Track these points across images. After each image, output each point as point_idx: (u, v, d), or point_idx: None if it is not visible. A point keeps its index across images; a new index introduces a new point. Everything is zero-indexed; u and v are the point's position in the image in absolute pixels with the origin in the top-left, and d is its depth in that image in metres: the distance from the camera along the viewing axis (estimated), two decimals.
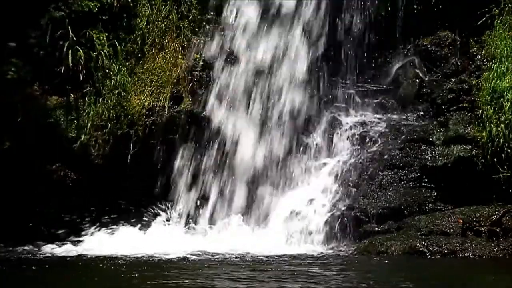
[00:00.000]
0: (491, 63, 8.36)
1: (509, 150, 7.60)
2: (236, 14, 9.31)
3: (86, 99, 8.37)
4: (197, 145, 8.64)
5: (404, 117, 9.00)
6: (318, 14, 9.38)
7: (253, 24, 9.26)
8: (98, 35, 8.43)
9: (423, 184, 8.06)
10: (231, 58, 9.08)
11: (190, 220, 8.41)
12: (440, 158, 8.10)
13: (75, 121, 8.31)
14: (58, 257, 7.09)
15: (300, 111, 8.91)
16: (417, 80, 9.18)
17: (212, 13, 9.32)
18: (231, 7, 9.36)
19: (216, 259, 6.89)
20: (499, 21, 8.57)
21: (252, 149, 8.70)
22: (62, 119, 8.28)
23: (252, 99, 8.90)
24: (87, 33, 8.40)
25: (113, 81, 8.46)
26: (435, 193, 7.95)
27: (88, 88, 8.41)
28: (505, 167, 7.56)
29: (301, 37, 9.26)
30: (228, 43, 9.14)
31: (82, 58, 8.28)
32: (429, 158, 8.18)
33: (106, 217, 8.12)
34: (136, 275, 6.08)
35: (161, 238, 7.99)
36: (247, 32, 9.22)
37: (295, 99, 8.92)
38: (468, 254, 7.02)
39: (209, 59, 9.02)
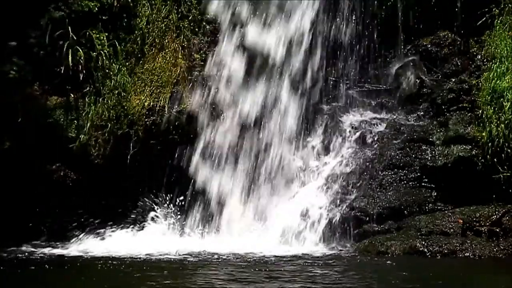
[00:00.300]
0: (491, 63, 8.36)
1: (509, 150, 7.60)
2: (220, 65, 8.94)
3: (86, 99, 8.37)
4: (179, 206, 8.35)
5: (404, 117, 9.00)
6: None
7: (238, 76, 8.90)
8: (98, 35, 8.43)
9: (423, 184, 8.07)
10: (216, 112, 8.71)
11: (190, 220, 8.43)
12: (440, 158, 8.10)
13: (75, 121, 8.30)
14: (58, 257, 7.09)
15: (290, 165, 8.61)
16: (417, 80, 9.18)
17: (212, 13, 9.31)
18: (215, 58, 8.97)
19: (216, 259, 6.89)
20: (499, 21, 8.57)
21: (240, 209, 8.39)
22: (62, 119, 8.27)
23: (239, 156, 8.58)
24: (87, 33, 8.40)
25: (113, 81, 8.46)
26: (435, 193, 7.95)
27: (88, 88, 8.41)
28: (505, 167, 7.56)
29: (290, 87, 8.94)
30: (212, 96, 8.74)
31: (82, 58, 8.27)
32: (429, 158, 8.18)
33: (105, 218, 8.12)
34: (136, 275, 6.08)
35: (161, 238, 8.01)
36: (232, 84, 8.85)
37: (285, 154, 8.59)
38: (468, 254, 7.02)
39: (193, 113, 8.63)
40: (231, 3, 9.20)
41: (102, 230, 8.03)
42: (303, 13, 9.25)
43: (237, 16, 9.19)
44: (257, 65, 9.02)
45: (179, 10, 9.16)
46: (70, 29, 8.25)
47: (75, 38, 8.27)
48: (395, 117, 9.03)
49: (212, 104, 8.72)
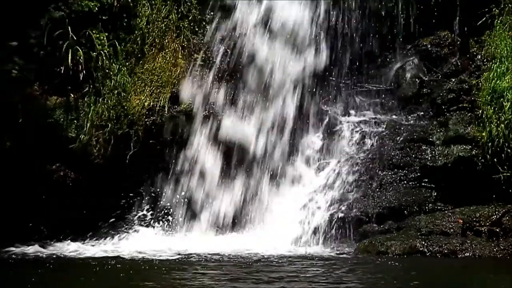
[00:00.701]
0: (491, 63, 8.36)
1: (509, 150, 7.60)
2: (193, 161, 8.38)
3: (86, 99, 8.36)
4: None
5: (404, 117, 9.02)
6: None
7: (213, 173, 8.38)
8: (98, 35, 8.42)
9: (423, 184, 8.07)
10: (190, 212, 8.29)
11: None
12: (440, 158, 8.10)
13: (75, 121, 8.29)
14: (58, 257, 7.09)
15: None
16: (417, 80, 9.19)
17: (212, 13, 9.30)
18: (188, 152, 8.41)
19: (217, 259, 6.88)
20: (499, 21, 8.58)
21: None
22: (62, 119, 8.26)
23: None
24: (87, 33, 8.39)
25: (113, 81, 8.45)
26: (435, 193, 7.96)
27: (88, 88, 8.40)
28: (505, 167, 7.57)
29: (270, 183, 8.51)
30: (184, 192, 8.32)
31: (82, 58, 8.26)
32: (429, 158, 8.18)
33: (104, 217, 8.12)
34: (135, 275, 6.08)
35: (160, 238, 8.01)
36: (206, 181, 8.39)
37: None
38: (468, 254, 7.02)
39: (165, 208, 8.29)
40: (204, 89, 8.62)
41: (101, 230, 8.03)
42: (285, 97, 8.83)
43: (211, 104, 8.61)
44: (234, 159, 8.49)
45: (179, 10, 9.15)
46: (70, 29, 8.24)
47: (75, 38, 8.26)
48: (395, 117, 9.05)
49: (185, 201, 8.23)
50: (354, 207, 7.95)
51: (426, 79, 9.17)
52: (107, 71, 8.45)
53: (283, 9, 9.13)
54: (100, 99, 8.36)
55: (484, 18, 8.71)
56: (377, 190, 8.10)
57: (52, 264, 6.66)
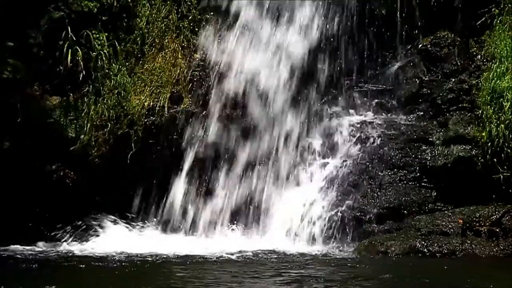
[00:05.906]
0: (491, 63, 8.36)
1: (509, 150, 7.60)
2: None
3: (86, 99, 8.36)
4: None
5: (404, 117, 9.00)
6: None
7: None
8: (97, 35, 8.42)
9: (423, 184, 8.08)
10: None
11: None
12: (440, 158, 8.10)
13: (75, 121, 8.29)
14: (57, 257, 7.09)
15: None
16: (417, 80, 9.18)
17: (212, 13, 9.30)
18: None
19: (217, 259, 6.89)
20: (499, 21, 8.57)
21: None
22: (62, 119, 8.27)
23: None
24: (87, 33, 8.39)
25: (112, 81, 8.45)
26: (435, 193, 7.96)
27: (87, 88, 8.40)
28: (505, 167, 7.57)
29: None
30: None
31: (81, 58, 8.26)
32: (429, 158, 8.18)
33: (105, 216, 8.12)
34: (141, 275, 6.08)
35: (160, 237, 8.01)
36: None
37: None
38: (468, 254, 7.02)
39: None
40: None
41: (101, 229, 8.03)
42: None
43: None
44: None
45: (179, 10, 9.15)
46: (70, 29, 8.24)
47: (74, 38, 8.26)
48: (395, 117, 9.04)
49: None
50: (354, 207, 7.95)
51: (426, 79, 9.16)
52: (106, 71, 8.46)
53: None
54: (100, 99, 8.36)
55: (484, 18, 8.71)
56: (377, 190, 8.10)
57: (52, 263, 6.66)
